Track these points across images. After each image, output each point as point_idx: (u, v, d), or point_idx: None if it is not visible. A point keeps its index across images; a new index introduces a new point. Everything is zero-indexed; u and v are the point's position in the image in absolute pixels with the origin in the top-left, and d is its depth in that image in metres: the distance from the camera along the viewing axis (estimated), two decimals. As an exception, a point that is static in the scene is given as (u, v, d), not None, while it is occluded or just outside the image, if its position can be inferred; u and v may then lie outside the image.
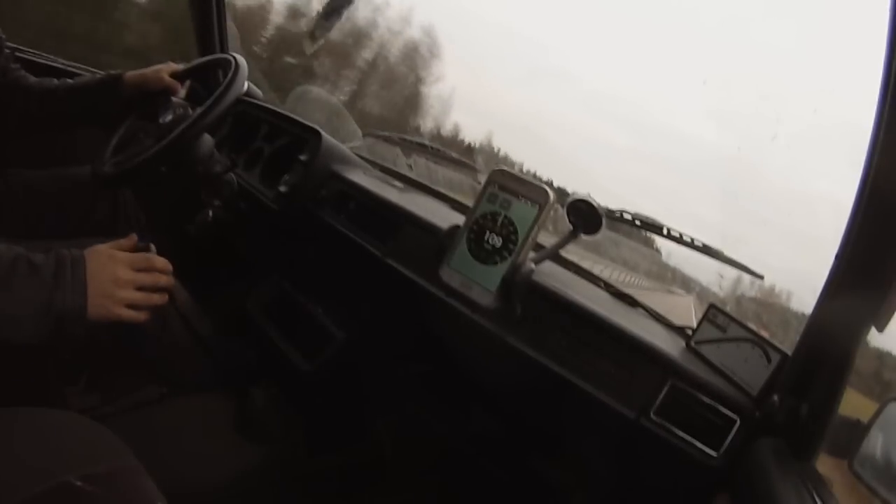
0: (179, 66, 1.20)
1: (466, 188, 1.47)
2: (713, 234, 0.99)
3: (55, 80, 1.17)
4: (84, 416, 0.73)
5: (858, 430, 0.64)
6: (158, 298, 0.77)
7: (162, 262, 0.78)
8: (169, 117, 1.10)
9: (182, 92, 1.19)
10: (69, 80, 1.16)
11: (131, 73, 1.16)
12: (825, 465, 0.68)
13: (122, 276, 0.72)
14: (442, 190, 1.45)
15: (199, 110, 1.06)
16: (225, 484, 1.08)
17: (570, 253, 1.06)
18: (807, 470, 0.65)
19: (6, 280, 0.64)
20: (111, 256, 0.73)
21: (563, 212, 0.90)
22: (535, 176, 0.83)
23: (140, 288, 0.74)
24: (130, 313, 0.73)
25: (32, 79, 1.17)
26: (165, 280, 0.78)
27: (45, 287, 0.66)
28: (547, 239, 0.91)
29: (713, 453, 0.74)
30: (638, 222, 1.01)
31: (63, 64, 1.58)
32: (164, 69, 1.18)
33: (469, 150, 1.54)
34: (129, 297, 0.73)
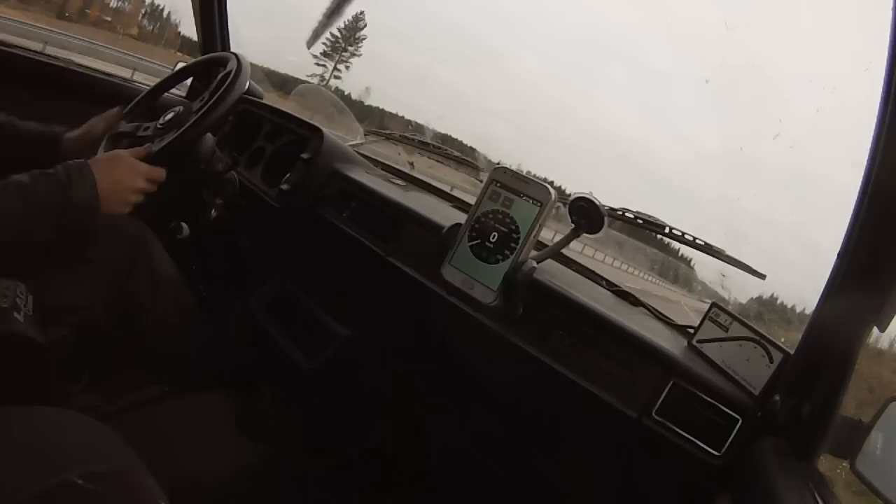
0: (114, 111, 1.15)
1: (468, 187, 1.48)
2: (714, 233, 0.99)
3: (3, 114, 1.12)
4: (86, 414, 0.73)
5: (860, 430, 0.64)
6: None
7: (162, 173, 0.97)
8: (169, 116, 1.10)
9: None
10: (15, 121, 1.11)
11: (70, 137, 1.12)
12: (826, 464, 0.68)
13: (133, 177, 0.91)
14: (443, 188, 1.45)
15: (201, 109, 1.06)
16: (226, 482, 1.09)
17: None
18: (808, 469, 0.65)
19: (26, 189, 0.78)
20: (118, 158, 0.92)
21: (564, 210, 0.90)
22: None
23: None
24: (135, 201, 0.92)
25: None
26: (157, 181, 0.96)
27: (60, 188, 0.80)
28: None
29: (715, 453, 0.74)
30: (640, 221, 1.01)
31: (48, 58, 1.58)
32: (96, 123, 1.13)
33: (471, 149, 1.53)
34: (135, 196, 0.92)
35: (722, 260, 0.98)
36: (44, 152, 1.09)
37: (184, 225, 1.26)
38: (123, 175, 0.90)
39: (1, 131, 1.11)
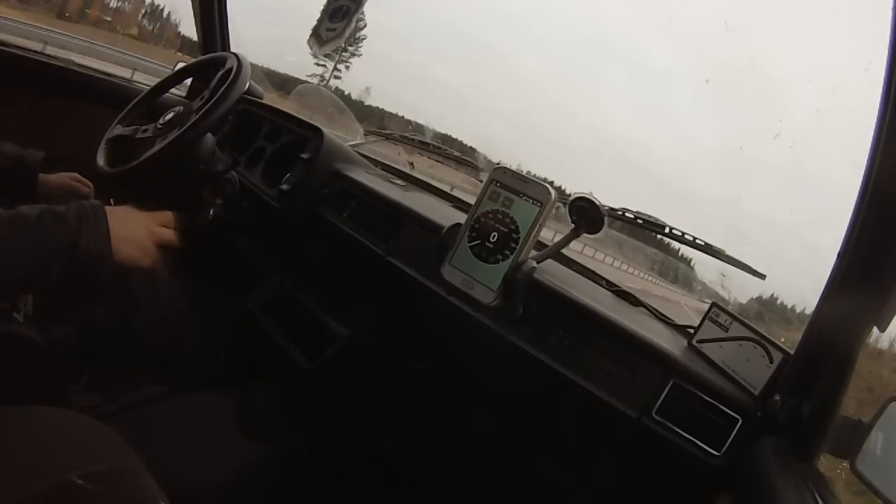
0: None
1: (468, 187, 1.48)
2: (714, 233, 0.99)
3: None
4: (86, 414, 0.73)
5: (860, 430, 0.64)
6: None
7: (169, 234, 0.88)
8: (169, 116, 1.10)
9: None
10: None
11: (44, 179, 1.11)
12: (826, 464, 0.68)
13: (147, 228, 0.83)
14: (443, 188, 1.45)
15: (201, 109, 1.06)
16: (226, 482, 1.09)
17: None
18: (808, 469, 0.65)
19: (34, 229, 0.70)
20: (132, 210, 0.83)
21: (564, 210, 0.90)
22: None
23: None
24: (154, 258, 0.82)
25: None
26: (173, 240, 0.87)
27: (70, 233, 0.72)
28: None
29: (715, 453, 0.74)
30: (640, 221, 1.01)
31: (48, 58, 1.58)
32: (68, 177, 1.14)
33: (471, 149, 1.53)
34: (152, 247, 0.83)
35: (722, 260, 0.98)
36: (18, 180, 1.08)
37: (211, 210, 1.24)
38: (139, 225, 0.83)
39: None
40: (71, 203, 0.75)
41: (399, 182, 1.38)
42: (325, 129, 1.33)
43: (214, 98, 1.05)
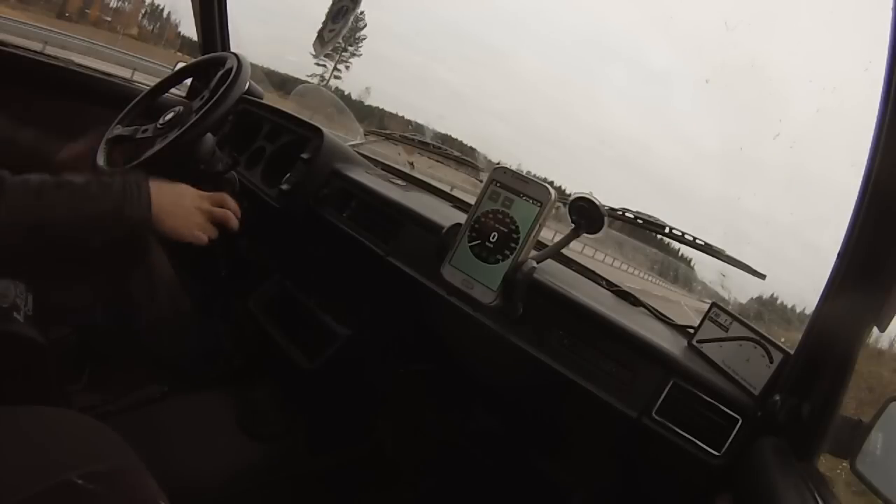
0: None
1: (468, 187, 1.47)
2: (714, 233, 0.99)
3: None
4: (86, 414, 0.73)
5: (860, 430, 0.64)
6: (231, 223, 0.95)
7: (233, 204, 0.96)
8: (169, 116, 1.09)
9: None
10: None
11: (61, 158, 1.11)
12: (826, 464, 0.68)
13: (196, 204, 0.89)
14: (443, 188, 1.45)
15: (201, 109, 1.05)
16: (226, 482, 1.09)
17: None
18: (808, 469, 0.65)
19: (81, 195, 0.75)
20: (180, 185, 0.89)
21: (564, 210, 0.90)
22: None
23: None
24: (200, 236, 0.89)
25: None
26: (234, 222, 0.96)
27: (115, 201, 0.77)
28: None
29: (715, 453, 0.74)
30: (640, 221, 1.01)
31: (48, 58, 1.58)
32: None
33: (471, 149, 1.53)
34: (201, 221, 0.89)
35: (722, 260, 0.98)
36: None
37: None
38: (184, 199, 0.88)
39: None
40: (117, 175, 0.81)
41: (399, 182, 1.38)
42: (325, 129, 1.33)
43: (214, 98, 1.05)
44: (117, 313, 1.11)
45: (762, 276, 0.98)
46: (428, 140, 1.50)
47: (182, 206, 0.87)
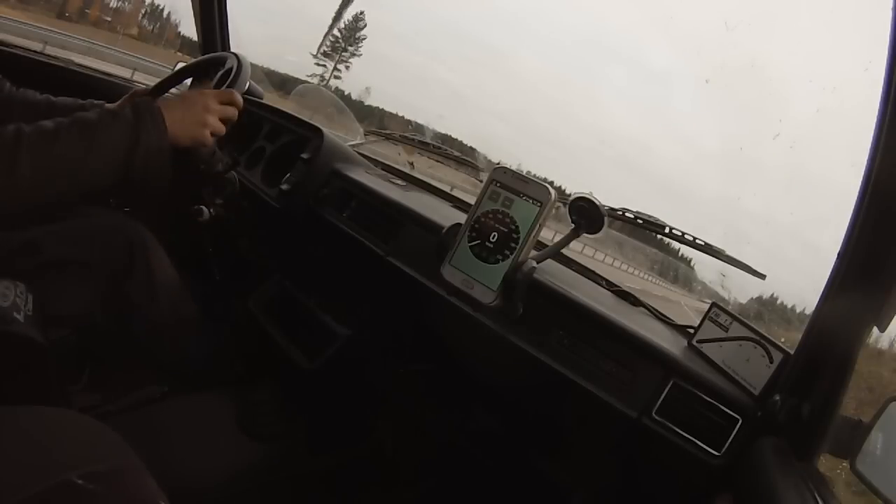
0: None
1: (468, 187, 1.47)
2: (714, 233, 0.99)
3: (37, 94, 1.11)
4: (85, 414, 0.73)
5: (860, 430, 0.64)
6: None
7: (240, 98, 0.97)
8: None
9: None
10: (50, 98, 1.10)
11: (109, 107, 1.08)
12: (826, 464, 0.68)
13: (205, 104, 0.88)
14: (443, 188, 1.45)
15: None
16: (226, 482, 1.09)
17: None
18: (808, 469, 0.65)
19: (95, 129, 0.75)
20: (189, 96, 0.89)
21: (564, 210, 0.90)
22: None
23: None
24: (209, 137, 0.88)
25: (15, 90, 1.10)
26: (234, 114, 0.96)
27: (130, 129, 0.76)
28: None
29: (715, 453, 0.74)
30: (640, 221, 1.01)
31: (48, 58, 1.58)
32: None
33: (471, 149, 1.54)
34: (214, 123, 0.89)
35: (722, 260, 0.98)
36: None
37: (204, 208, 1.25)
38: (195, 106, 0.87)
39: (38, 107, 1.08)
40: (126, 103, 0.80)
41: (399, 182, 1.38)
42: (325, 129, 1.33)
43: None
44: (116, 317, 1.11)
45: (762, 276, 0.98)
46: (428, 140, 1.50)
47: (194, 114, 0.86)
